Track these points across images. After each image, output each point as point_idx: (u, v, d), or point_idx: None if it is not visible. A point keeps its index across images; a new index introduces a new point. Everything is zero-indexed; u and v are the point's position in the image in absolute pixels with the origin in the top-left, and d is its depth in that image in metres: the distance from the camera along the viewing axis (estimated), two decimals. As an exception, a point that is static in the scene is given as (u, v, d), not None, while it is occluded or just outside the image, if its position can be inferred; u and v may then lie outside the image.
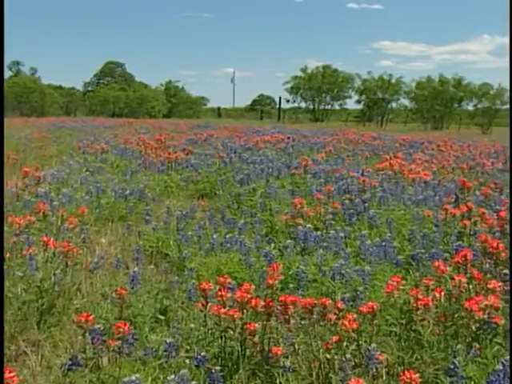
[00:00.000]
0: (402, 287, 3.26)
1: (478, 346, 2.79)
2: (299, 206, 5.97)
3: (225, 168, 10.13)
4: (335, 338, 2.86)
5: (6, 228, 4.54)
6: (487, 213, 5.53)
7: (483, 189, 7.29)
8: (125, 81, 60.03)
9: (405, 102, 51.73)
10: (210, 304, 3.14)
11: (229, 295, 3.10)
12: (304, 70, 55.41)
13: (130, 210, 6.81)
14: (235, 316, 2.94)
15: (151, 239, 5.49)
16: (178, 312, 3.68)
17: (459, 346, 2.68)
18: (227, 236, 5.20)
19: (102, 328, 2.95)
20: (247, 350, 2.98)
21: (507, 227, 4.98)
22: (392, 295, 3.22)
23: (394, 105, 53.34)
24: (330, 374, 2.78)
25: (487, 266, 3.81)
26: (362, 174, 8.52)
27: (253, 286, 3.13)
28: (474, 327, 2.92)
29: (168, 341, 2.95)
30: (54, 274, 3.88)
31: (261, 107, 66.51)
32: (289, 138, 16.13)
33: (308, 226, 5.24)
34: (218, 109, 64.58)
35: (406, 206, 6.78)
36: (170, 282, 4.15)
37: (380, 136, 19.26)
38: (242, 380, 2.85)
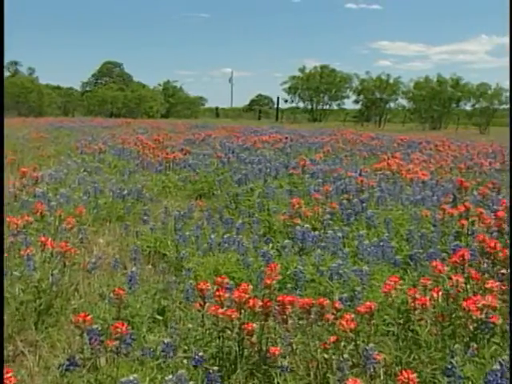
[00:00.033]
0: (399, 287, 3.26)
1: (475, 345, 2.79)
2: (297, 206, 5.97)
3: (223, 168, 10.13)
4: (333, 338, 2.86)
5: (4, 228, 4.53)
6: (485, 213, 5.53)
7: (481, 189, 7.30)
8: (123, 81, 59.94)
9: (403, 101, 51.96)
10: (207, 304, 3.14)
11: (227, 295, 3.10)
12: (302, 70, 55.56)
13: (128, 210, 6.81)
14: (233, 316, 2.94)
15: (149, 239, 5.49)
16: (176, 312, 3.68)
17: (457, 346, 2.69)
18: (225, 236, 5.19)
19: (99, 328, 2.95)
20: (245, 350, 2.97)
21: (505, 227, 4.99)
22: (390, 295, 3.23)
23: (392, 105, 53.56)
24: (327, 374, 2.78)
25: (485, 265, 3.81)
26: (360, 174, 8.53)
27: (250, 286, 3.13)
28: (471, 327, 2.92)
29: (166, 341, 2.95)
30: (52, 275, 3.88)
31: (259, 107, 66.51)
32: (287, 137, 16.14)
33: (306, 226, 5.25)
34: (216, 109, 64.51)
35: (403, 205, 6.79)
36: (167, 282, 4.14)
37: (378, 136, 19.29)
38: (239, 380, 2.84)
